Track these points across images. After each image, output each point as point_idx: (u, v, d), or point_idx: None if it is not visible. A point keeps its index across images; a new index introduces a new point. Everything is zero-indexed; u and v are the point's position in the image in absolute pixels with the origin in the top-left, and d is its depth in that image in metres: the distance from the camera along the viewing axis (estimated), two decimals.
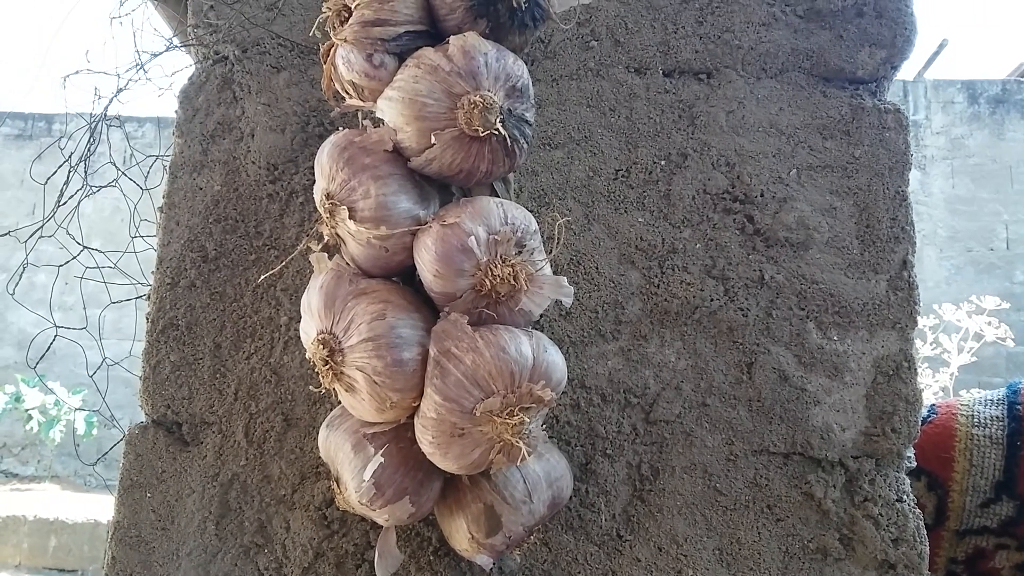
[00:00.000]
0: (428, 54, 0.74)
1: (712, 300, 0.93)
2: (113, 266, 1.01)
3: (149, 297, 0.96)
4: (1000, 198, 7.11)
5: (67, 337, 1.02)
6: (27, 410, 7.05)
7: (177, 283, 0.95)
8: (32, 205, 8.15)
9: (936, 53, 7.47)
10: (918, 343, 2.72)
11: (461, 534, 0.78)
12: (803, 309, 0.93)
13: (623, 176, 0.96)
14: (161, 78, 1.02)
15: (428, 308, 0.75)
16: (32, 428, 7.06)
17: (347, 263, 0.77)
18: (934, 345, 2.71)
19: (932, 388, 2.66)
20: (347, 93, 0.78)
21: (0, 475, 7.75)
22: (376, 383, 0.71)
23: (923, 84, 7.38)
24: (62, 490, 7.15)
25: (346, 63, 0.76)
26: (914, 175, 7.06)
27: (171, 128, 1.01)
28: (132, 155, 1.11)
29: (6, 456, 7.91)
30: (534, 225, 0.76)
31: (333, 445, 0.78)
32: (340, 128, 0.78)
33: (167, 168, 1.02)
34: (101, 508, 5.74)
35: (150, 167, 1.09)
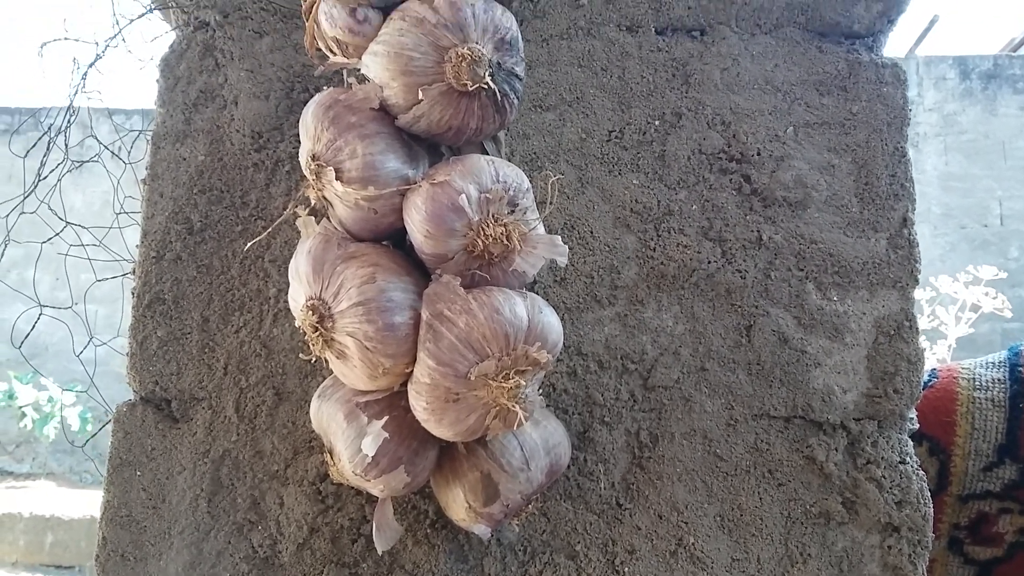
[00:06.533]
0: (413, 6, 0.71)
1: (709, 262, 0.91)
2: (99, 243, 0.99)
3: (134, 272, 0.94)
4: (993, 174, 7.12)
5: (52, 316, 1.00)
6: (20, 407, 7.03)
7: (162, 256, 0.93)
8: (24, 202, 8.11)
9: (927, 29, 7.45)
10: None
11: (458, 504, 0.76)
12: (802, 270, 0.91)
13: (616, 137, 0.94)
14: (142, 47, 1.00)
15: (419, 271, 0.73)
16: (26, 425, 7.04)
17: (335, 227, 0.75)
18: (931, 317, 2.70)
19: (930, 362, 2.66)
20: (331, 51, 0.76)
21: None
22: (368, 349, 0.69)
23: (915, 61, 7.37)
24: (58, 487, 7.14)
25: (329, 19, 0.74)
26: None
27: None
28: (120, 144, 1.09)
29: (1, 454, 7.89)
30: (526, 183, 0.74)
31: (325, 415, 0.76)
32: (325, 88, 0.76)
33: (149, 140, 0.99)
34: (96, 504, 5.73)
35: (132, 142, 1.06)
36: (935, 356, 2.62)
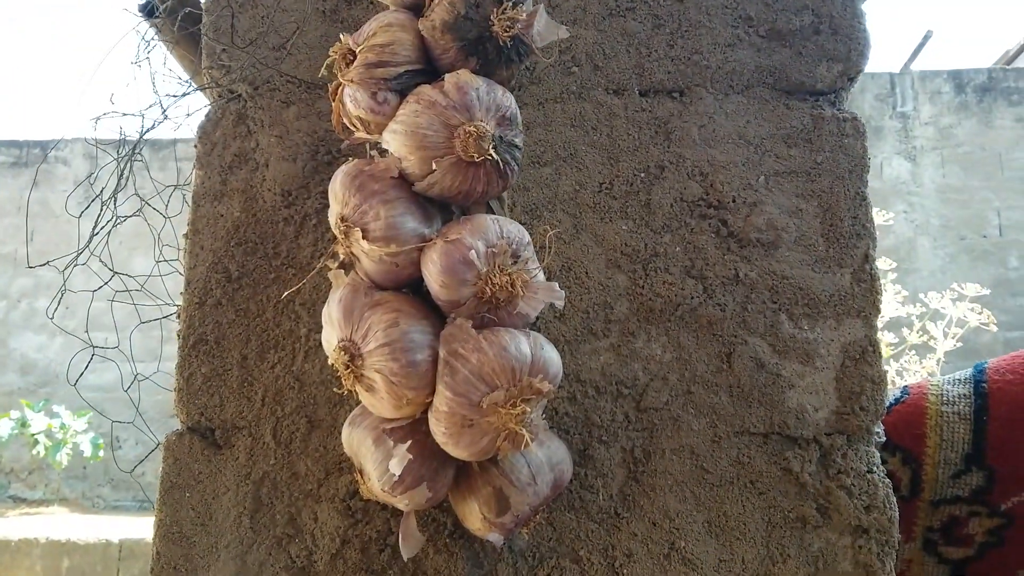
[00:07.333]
0: (426, 91, 0.83)
1: (692, 298, 1.02)
2: (140, 288, 1.10)
3: (179, 316, 1.05)
4: (991, 185, 7.18)
5: (104, 356, 1.11)
6: (33, 435, 7.11)
7: (204, 302, 1.04)
8: (31, 232, 8.21)
9: (921, 45, 7.55)
10: (905, 331, 2.81)
11: (474, 515, 0.87)
12: (775, 302, 1.02)
13: (607, 188, 1.05)
14: (177, 115, 1.11)
15: (435, 315, 0.84)
16: (39, 452, 7.12)
17: (362, 278, 0.86)
18: (920, 333, 2.79)
19: (920, 374, 2.74)
20: (355, 127, 0.88)
21: (8, 500, 7.79)
22: (393, 383, 0.80)
23: (910, 76, 7.45)
24: (71, 512, 7.20)
25: (353, 101, 0.86)
26: (904, 166, 7.16)
27: (167, 149, 1.10)
28: (126, 178, 1.19)
29: (14, 481, 7.94)
30: (527, 237, 0.85)
31: (356, 440, 0.87)
32: (349, 158, 0.87)
33: (185, 198, 1.11)
34: (111, 528, 5.80)
35: (170, 196, 1.18)
36: (925, 370, 2.71)
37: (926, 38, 7.49)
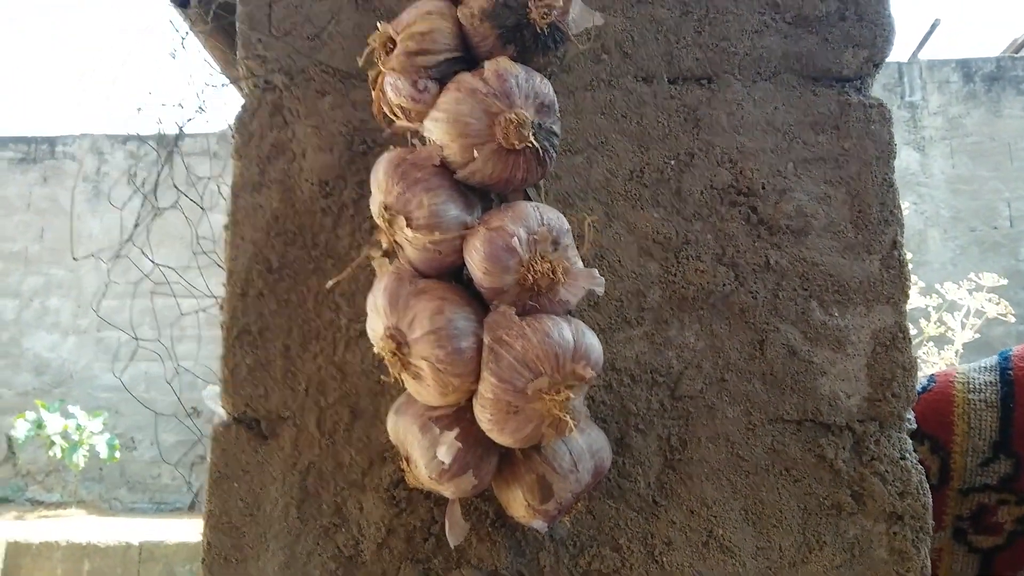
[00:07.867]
0: (467, 78, 0.84)
1: (724, 285, 1.03)
2: (181, 279, 1.12)
3: (221, 307, 1.07)
4: (1000, 176, 7.17)
5: (147, 347, 1.13)
6: (49, 436, 7.14)
7: (247, 293, 1.06)
8: (40, 229, 8.24)
9: (929, 34, 7.54)
10: (922, 323, 2.81)
11: (518, 502, 0.88)
12: (806, 289, 1.03)
13: (637, 176, 1.06)
14: (212, 107, 1.13)
15: (478, 302, 0.85)
16: (55, 454, 7.15)
17: (405, 266, 0.87)
18: (938, 324, 2.79)
19: (938, 366, 2.74)
20: (395, 116, 0.89)
21: (26, 503, 7.84)
22: (439, 370, 0.81)
23: (918, 65, 7.44)
24: (89, 515, 7.24)
25: (394, 89, 0.87)
26: (914, 156, 7.16)
27: (174, 146, 1.11)
28: (134, 171, 1.21)
29: (31, 484, 7.99)
30: (566, 224, 0.86)
31: (402, 428, 0.88)
32: (391, 147, 0.89)
33: (220, 190, 1.12)
34: (130, 531, 5.84)
35: (204, 189, 1.19)
36: (943, 361, 2.71)
37: (934, 27, 7.48)
